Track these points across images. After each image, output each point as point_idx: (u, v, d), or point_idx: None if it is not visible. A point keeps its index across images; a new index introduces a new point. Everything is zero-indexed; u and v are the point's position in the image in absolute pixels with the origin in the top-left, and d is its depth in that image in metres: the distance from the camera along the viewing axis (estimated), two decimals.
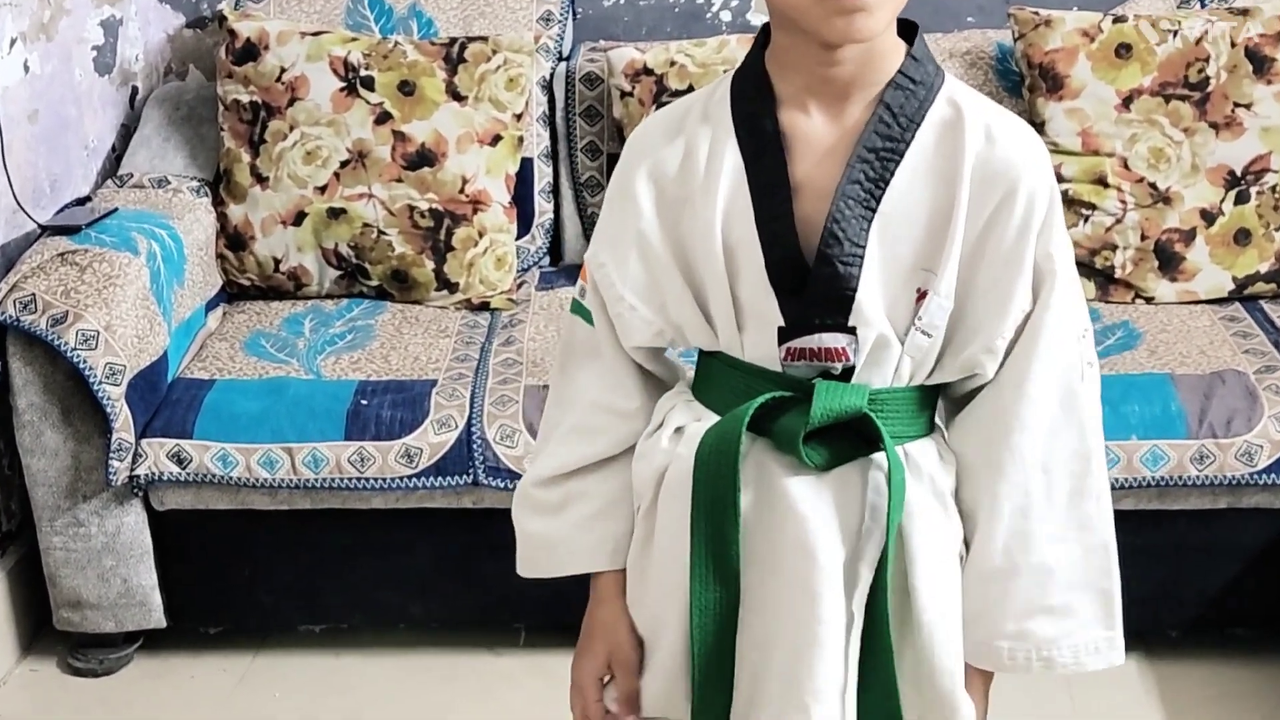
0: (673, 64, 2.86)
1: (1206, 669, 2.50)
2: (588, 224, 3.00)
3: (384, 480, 2.41)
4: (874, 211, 1.29)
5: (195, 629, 2.63)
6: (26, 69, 2.69)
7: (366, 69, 2.82)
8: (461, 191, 2.81)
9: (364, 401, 2.45)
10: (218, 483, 2.42)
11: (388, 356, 2.61)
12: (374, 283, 2.85)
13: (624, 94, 2.88)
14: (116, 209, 2.69)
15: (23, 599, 2.64)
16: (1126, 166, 2.74)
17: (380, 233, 2.81)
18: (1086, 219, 2.74)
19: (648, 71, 2.86)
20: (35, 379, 2.42)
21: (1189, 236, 2.73)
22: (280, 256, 2.84)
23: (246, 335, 2.71)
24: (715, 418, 1.36)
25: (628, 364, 1.42)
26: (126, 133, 3.06)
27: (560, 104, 3.00)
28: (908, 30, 1.32)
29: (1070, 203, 2.72)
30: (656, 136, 1.37)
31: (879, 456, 1.34)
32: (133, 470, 2.42)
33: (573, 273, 2.91)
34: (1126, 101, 2.74)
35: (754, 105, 1.32)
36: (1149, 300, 2.75)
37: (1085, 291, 2.65)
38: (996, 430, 1.34)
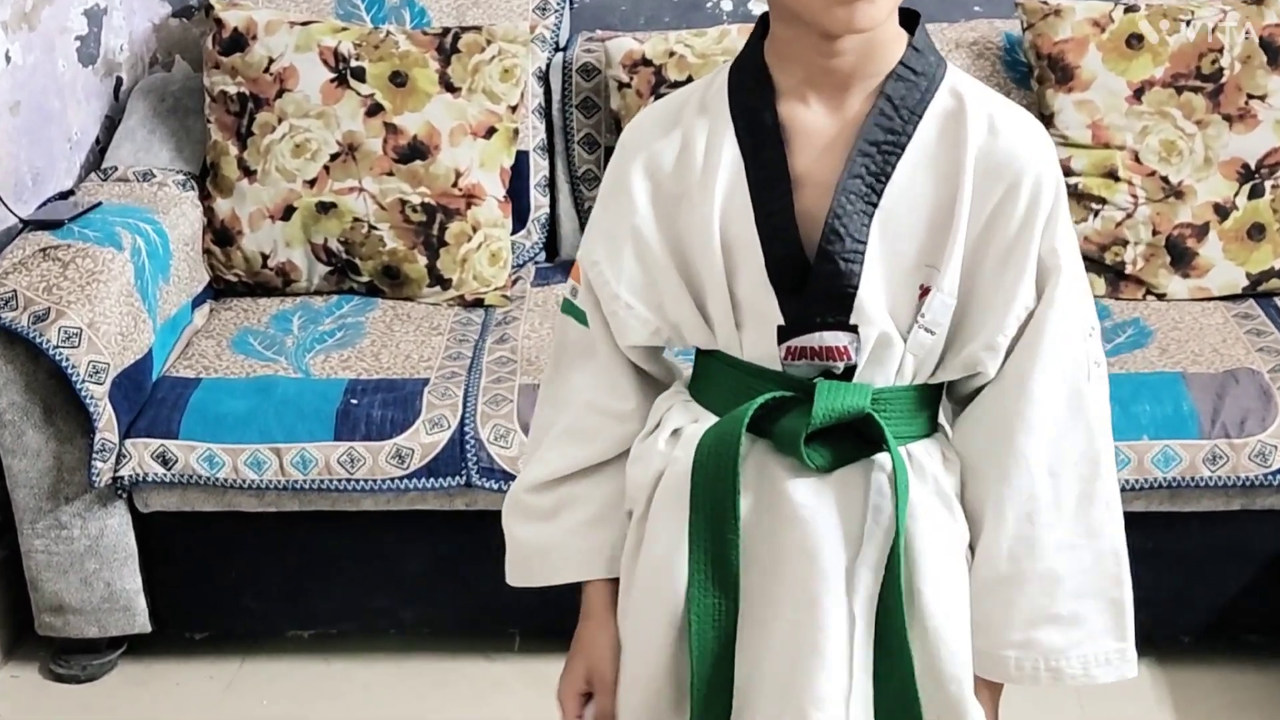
0: (672, 54, 2.84)
1: (1219, 676, 2.50)
2: (585, 218, 3.00)
3: (374, 482, 2.39)
4: (875, 206, 1.28)
5: (181, 634, 2.63)
6: (8, 59, 2.68)
7: (357, 59, 2.80)
8: (455, 185, 2.78)
9: (354, 401, 2.44)
10: (204, 484, 2.41)
11: (378, 354, 2.59)
12: (364, 279, 2.82)
13: (622, 85, 2.86)
14: (100, 203, 2.68)
15: (3, 603, 2.63)
16: (1138, 160, 2.72)
17: (371, 227, 2.78)
18: (1096, 213, 2.72)
19: (646, 62, 2.85)
20: (16, 377, 2.41)
21: (1201, 231, 2.71)
22: (268, 252, 2.81)
23: (233, 333, 2.70)
24: (713, 418, 1.35)
25: (623, 364, 1.41)
26: (111, 125, 3.05)
27: (556, 95, 2.99)
28: (909, 20, 1.31)
29: (1080, 197, 2.71)
30: (652, 130, 1.36)
31: (881, 457, 1.33)
32: (116, 471, 2.40)
33: (569, 269, 2.88)
34: (1138, 93, 2.73)
35: (753, 97, 1.31)
36: (1160, 297, 2.74)
37: (1095, 288, 2.65)
38: (1000, 431, 1.32)
